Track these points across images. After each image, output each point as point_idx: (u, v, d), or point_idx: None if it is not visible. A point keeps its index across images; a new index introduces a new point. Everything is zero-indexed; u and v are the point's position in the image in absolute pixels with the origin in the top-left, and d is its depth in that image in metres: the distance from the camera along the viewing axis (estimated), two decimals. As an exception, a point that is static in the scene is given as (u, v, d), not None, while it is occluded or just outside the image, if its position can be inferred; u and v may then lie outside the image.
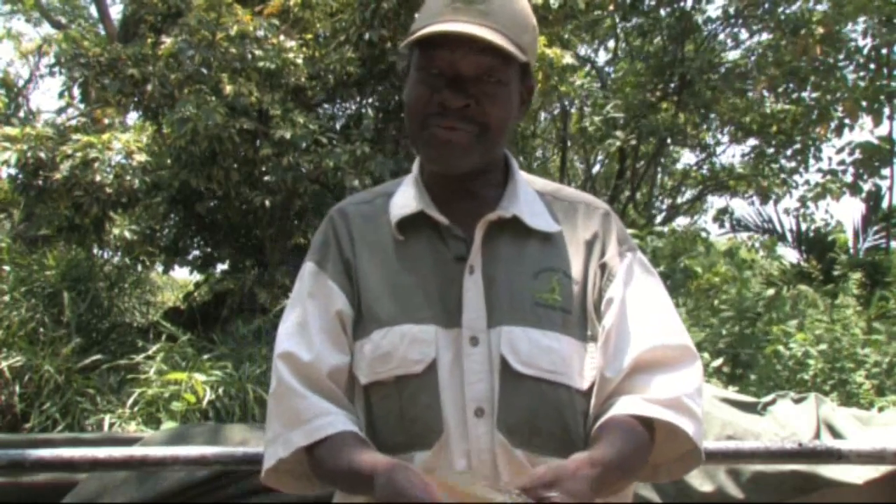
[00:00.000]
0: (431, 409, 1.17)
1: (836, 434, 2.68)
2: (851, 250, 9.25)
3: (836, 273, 6.91)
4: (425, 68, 1.22)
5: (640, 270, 1.29)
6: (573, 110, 11.29)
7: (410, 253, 1.26)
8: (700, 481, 2.54)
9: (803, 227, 10.16)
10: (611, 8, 9.97)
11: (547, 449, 1.18)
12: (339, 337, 1.25)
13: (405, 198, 1.30)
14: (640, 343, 1.21)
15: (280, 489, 1.28)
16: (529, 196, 1.31)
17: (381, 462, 1.11)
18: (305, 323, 1.25)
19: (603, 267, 1.28)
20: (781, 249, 9.81)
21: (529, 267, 1.25)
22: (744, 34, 10.87)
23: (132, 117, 8.69)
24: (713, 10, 10.99)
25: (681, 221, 12.98)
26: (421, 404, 1.18)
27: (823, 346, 5.25)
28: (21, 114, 10.17)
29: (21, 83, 12.83)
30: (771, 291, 6.55)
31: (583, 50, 11.17)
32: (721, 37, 10.65)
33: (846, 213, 33.51)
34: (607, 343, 1.23)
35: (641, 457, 1.18)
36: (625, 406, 1.18)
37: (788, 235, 9.98)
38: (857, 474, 2.49)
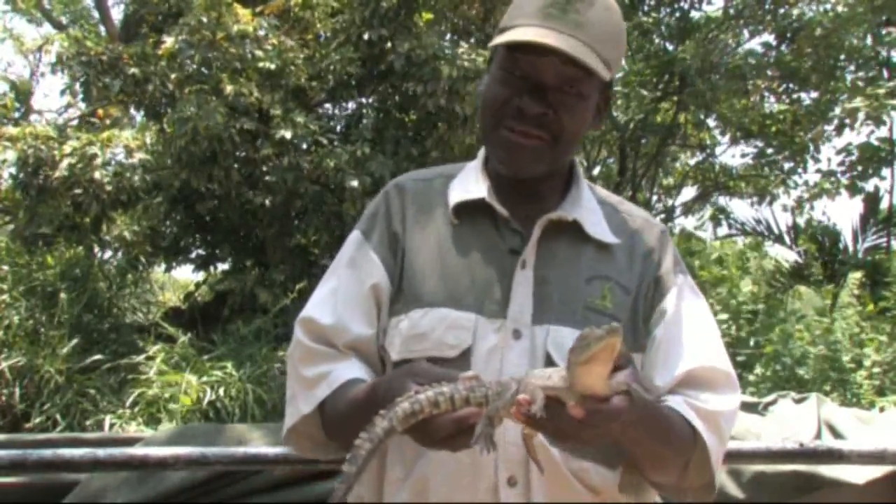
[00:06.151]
0: None
1: (836, 434, 2.68)
2: (850, 250, 9.24)
3: (833, 272, 6.90)
4: (509, 70, 1.21)
5: (691, 294, 1.30)
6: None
7: (463, 238, 1.26)
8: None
9: (801, 225, 10.15)
10: None
11: (585, 452, 1.16)
12: (369, 309, 1.25)
13: (467, 183, 1.30)
14: (693, 359, 1.21)
15: (300, 453, 1.30)
16: (591, 204, 1.31)
17: (372, 384, 1.11)
18: (336, 291, 1.26)
19: (657, 281, 1.28)
20: (779, 250, 9.79)
21: (583, 272, 1.24)
22: (745, 35, 10.86)
23: (137, 116, 8.68)
24: (713, 11, 10.87)
25: (681, 222, 12.98)
26: None
27: (822, 346, 5.25)
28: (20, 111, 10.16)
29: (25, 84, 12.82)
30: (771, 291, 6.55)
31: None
32: (721, 37, 10.64)
33: (844, 213, 33.59)
34: (657, 351, 1.23)
35: (679, 441, 1.15)
36: (670, 402, 1.18)
37: (786, 238, 9.97)
38: (859, 474, 2.49)
